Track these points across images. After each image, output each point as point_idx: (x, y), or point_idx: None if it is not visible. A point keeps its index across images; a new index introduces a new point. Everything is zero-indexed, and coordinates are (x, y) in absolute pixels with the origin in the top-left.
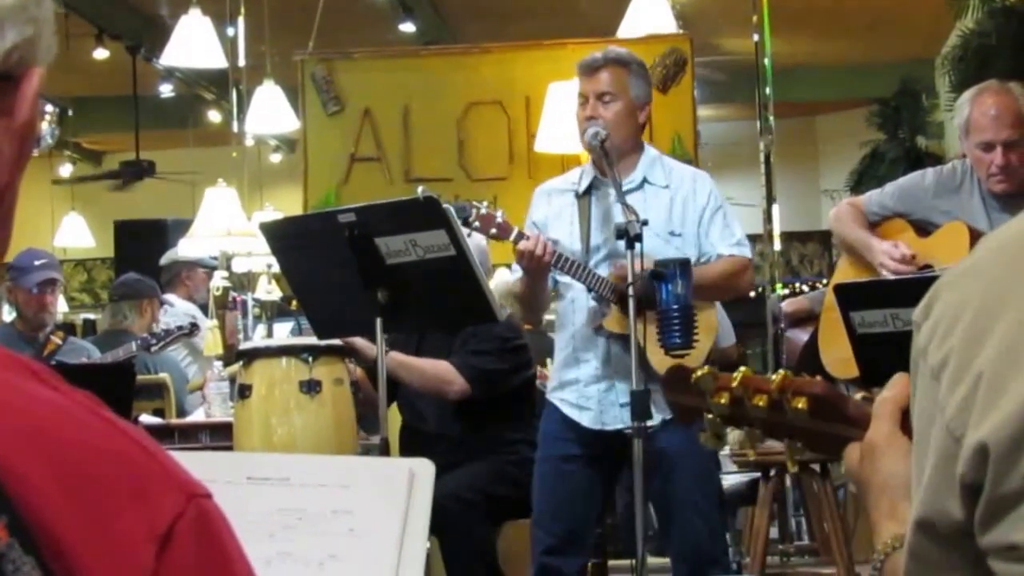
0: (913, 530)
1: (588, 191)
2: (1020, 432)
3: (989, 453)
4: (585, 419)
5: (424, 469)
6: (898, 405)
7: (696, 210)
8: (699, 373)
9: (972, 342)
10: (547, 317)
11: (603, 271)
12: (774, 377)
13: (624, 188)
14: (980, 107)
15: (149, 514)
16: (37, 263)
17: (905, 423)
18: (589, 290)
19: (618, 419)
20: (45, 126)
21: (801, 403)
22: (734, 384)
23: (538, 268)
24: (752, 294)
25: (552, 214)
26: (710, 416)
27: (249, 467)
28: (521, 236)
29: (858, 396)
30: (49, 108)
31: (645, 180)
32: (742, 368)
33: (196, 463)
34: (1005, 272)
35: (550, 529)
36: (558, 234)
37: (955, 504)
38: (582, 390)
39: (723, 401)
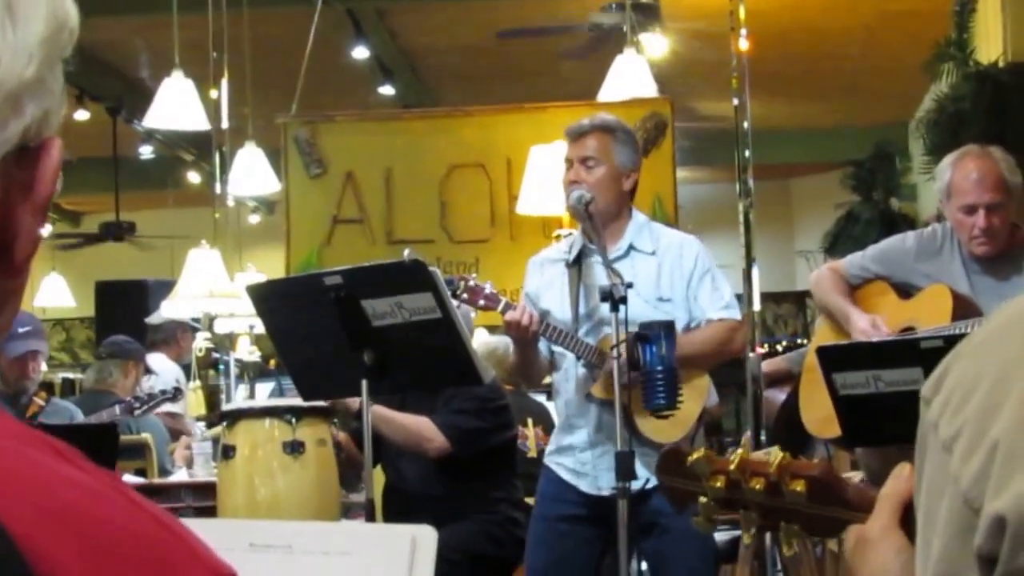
0: None
1: (578, 259)
2: None
3: (1007, 526)
4: (583, 484)
5: (426, 536)
6: (899, 500)
7: (683, 275)
8: (695, 456)
9: (987, 412)
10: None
11: (592, 339)
12: (772, 459)
13: (611, 256)
14: (962, 171)
15: None
16: (21, 331)
17: (904, 519)
18: (578, 358)
19: (611, 483)
20: None
21: (799, 486)
22: (731, 467)
23: (525, 338)
24: None
25: (544, 284)
26: (704, 500)
27: (251, 534)
28: (509, 307)
29: (856, 477)
30: None
31: (631, 247)
32: (739, 450)
33: (196, 529)
34: (1020, 344)
35: None
36: (549, 304)
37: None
38: (578, 456)
39: (719, 484)
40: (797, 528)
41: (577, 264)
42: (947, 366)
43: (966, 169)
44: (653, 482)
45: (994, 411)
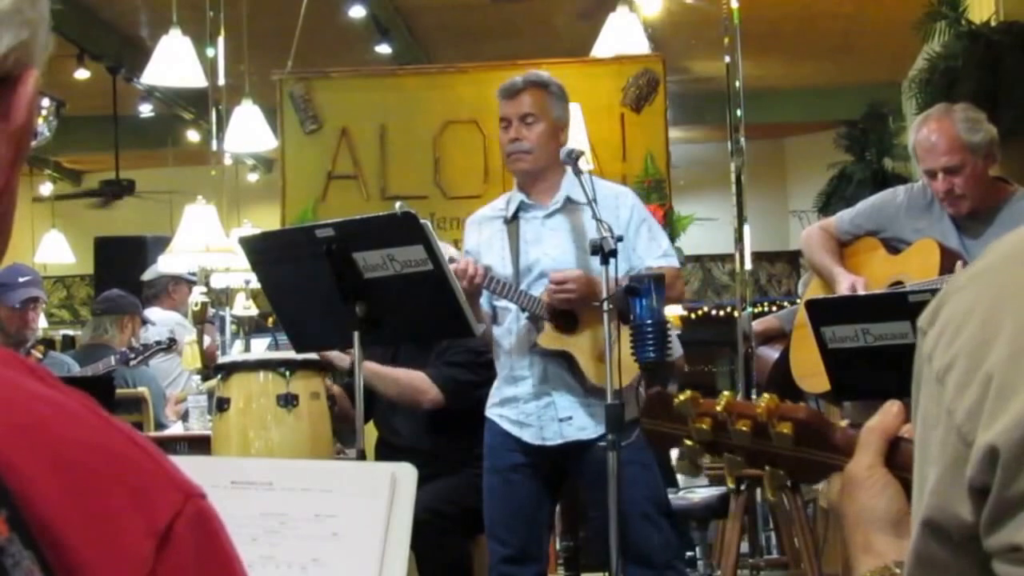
0: (920, 533)
1: (516, 216)
2: None
3: (999, 456)
4: (526, 435)
5: (406, 473)
6: (884, 436)
7: (620, 226)
8: (681, 399)
9: (981, 345)
10: None
11: (536, 291)
12: (760, 402)
13: (549, 209)
14: (920, 135)
15: (148, 511)
16: (21, 280)
17: (890, 455)
18: (522, 310)
19: (558, 434)
20: (41, 121)
21: (786, 428)
22: (718, 408)
23: (469, 289)
24: (721, 313)
25: (483, 242)
26: (689, 443)
27: (233, 472)
28: (452, 260)
29: (843, 423)
30: (45, 103)
31: (568, 199)
32: (725, 393)
33: (180, 467)
34: (1012, 278)
35: (505, 540)
36: (490, 260)
37: (965, 507)
38: (522, 407)
39: (705, 427)
40: (782, 472)
41: (515, 220)
42: (943, 298)
43: (922, 134)
44: (594, 433)
45: (988, 343)
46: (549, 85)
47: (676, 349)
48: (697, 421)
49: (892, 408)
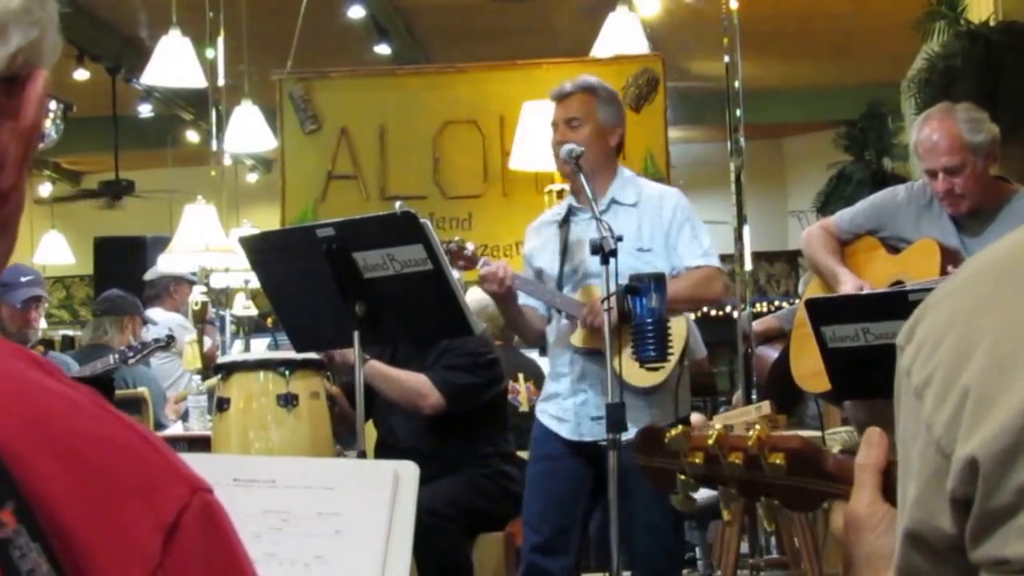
0: (902, 545)
1: (567, 219)
2: (1010, 445)
3: (979, 467)
4: (564, 431)
5: (408, 471)
6: (877, 468)
7: (662, 226)
8: (672, 433)
9: (957, 359)
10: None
11: (578, 293)
12: (751, 433)
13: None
14: (921, 134)
15: (155, 505)
16: (24, 279)
17: (886, 487)
18: (557, 311)
19: (591, 431)
20: (48, 123)
21: (779, 459)
22: (709, 442)
23: (500, 291)
24: (721, 313)
25: (538, 246)
26: (683, 477)
27: (235, 469)
28: (486, 263)
29: (835, 450)
30: (52, 105)
31: (613, 200)
32: (716, 426)
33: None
34: (989, 292)
35: (538, 528)
36: (541, 263)
37: (946, 519)
38: (561, 403)
39: (697, 460)
40: (777, 503)
41: (566, 223)
42: (920, 314)
43: (923, 133)
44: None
45: (964, 357)
46: (596, 89)
47: (700, 348)
48: (690, 455)
49: (873, 438)
